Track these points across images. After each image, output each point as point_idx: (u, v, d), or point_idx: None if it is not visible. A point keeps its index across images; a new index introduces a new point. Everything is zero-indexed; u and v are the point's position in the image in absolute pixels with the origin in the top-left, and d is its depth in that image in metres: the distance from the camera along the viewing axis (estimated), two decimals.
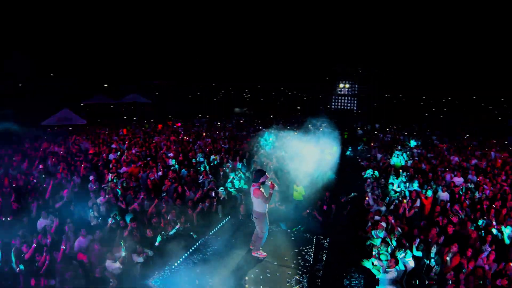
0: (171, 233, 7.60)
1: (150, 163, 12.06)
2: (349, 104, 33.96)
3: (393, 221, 8.44)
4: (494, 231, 7.95)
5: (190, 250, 6.69)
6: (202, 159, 13.17)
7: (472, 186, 11.44)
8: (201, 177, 11.13)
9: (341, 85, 33.64)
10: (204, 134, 18.64)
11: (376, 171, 13.10)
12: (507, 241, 7.73)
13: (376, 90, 30.86)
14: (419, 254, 7.28)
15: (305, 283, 5.73)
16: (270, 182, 6.00)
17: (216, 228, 7.80)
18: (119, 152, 13.55)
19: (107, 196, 8.87)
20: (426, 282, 6.62)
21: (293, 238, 7.45)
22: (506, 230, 7.78)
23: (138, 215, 8.25)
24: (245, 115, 29.18)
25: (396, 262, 6.66)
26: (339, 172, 13.82)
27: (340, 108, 34.51)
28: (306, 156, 12.66)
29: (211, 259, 6.42)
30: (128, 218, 7.88)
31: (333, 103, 34.46)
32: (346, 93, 34.00)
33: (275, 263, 6.28)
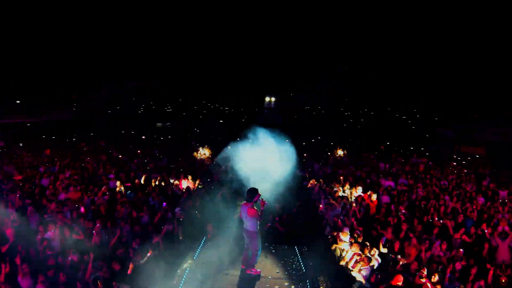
0: (141, 261, 7.24)
1: (90, 187, 11.24)
2: (274, 118, 35.99)
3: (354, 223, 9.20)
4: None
5: (183, 280, 6.51)
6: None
7: (405, 189, 13.15)
8: (150, 198, 10.74)
9: (267, 99, 35.61)
10: (139, 151, 17.57)
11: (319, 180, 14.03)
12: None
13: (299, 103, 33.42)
14: (384, 250, 8.10)
15: None
16: (261, 200, 6.27)
17: (197, 252, 7.81)
18: (52, 177, 12.27)
19: (57, 229, 7.89)
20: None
21: (274, 251, 7.88)
22: (451, 223, 9.14)
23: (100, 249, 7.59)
24: (169, 130, 28.60)
25: (369, 261, 7.34)
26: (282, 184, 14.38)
27: (266, 122, 36.20)
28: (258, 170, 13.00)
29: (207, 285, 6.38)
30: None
31: (258, 117, 36.23)
32: (272, 106, 36.00)
33: (269, 277, 6.60)
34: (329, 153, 20.48)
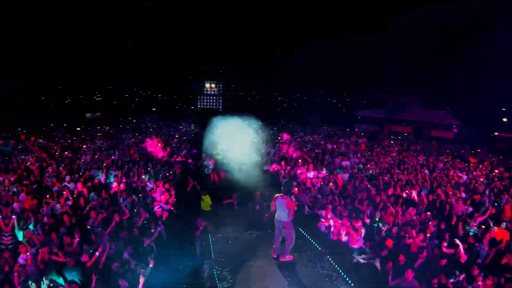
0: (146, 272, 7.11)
1: (48, 193, 10.17)
2: (214, 104, 36.33)
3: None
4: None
5: (216, 278, 6.60)
6: (101, 176, 12.17)
7: (361, 167, 15.06)
8: (121, 199, 10.27)
9: (207, 85, 35.62)
10: (84, 146, 16.24)
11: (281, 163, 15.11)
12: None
13: (235, 88, 34.47)
14: (367, 221, 9.53)
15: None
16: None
17: (211, 249, 7.89)
18: None
19: (28, 252, 6.83)
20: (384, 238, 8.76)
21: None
22: (414, 193, 11.04)
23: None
24: (98, 120, 26.74)
25: (358, 231, 8.66)
26: (240, 170, 15.15)
27: (206, 107, 36.54)
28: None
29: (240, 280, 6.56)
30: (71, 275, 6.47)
31: (198, 103, 36.06)
32: (212, 92, 36.18)
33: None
34: (278, 138, 21.72)
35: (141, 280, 6.37)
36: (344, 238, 8.86)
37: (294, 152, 17.66)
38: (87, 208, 9.16)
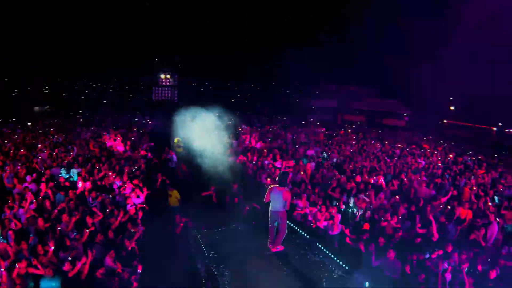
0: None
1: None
2: (170, 95, 35.38)
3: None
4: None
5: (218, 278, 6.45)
6: (65, 174, 11.38)
7: (326, 155, 15.70)
8: (90, 199, 9.69)
9: (162, 76, 34.58)
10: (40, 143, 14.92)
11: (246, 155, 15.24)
12: None
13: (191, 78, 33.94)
14: (342, 207, 10.04)
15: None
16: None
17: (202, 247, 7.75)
18: None
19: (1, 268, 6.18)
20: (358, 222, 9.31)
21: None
22: (380, 179, 11.79)
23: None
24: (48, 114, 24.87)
25: (337, 219, 9.11)
26: (205, 163, 15.10)
27: (162, 99, 35.48)
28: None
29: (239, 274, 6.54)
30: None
31: (153, 95, 34.95)
32: (168, 84, 35.18)
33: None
34: (240, 128, 21.76)
35: (134, 286, 6.17)
36: (323, 225, 9.22)
37: (257, 143, 17.85)
38: (56, 211, 8.54)
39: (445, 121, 26.22)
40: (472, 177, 12.52)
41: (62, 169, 11.62)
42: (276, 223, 7.27)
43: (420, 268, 7.09)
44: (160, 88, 34.80)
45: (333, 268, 6.62)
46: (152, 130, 20.56)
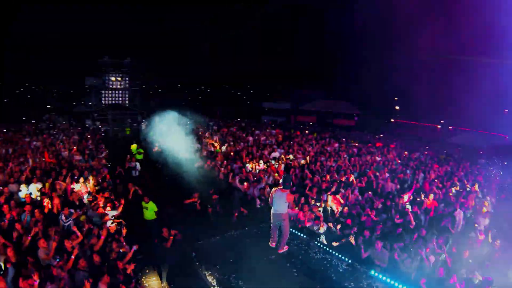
0: None
1: None
2: (120, 98, 34.02)
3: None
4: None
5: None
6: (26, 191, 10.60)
7: (291, 157, 16.63)
8: (63, 217, 9.03)
9: (112, 78, 33.10)
10: None
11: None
12: None
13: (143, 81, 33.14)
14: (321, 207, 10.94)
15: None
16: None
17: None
18: None
19: None
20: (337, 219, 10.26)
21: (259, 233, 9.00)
22: (351, 177, 12.94)
23: None
24: None
25: (321, 217, 9.94)
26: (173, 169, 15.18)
27: (112, 103, 33.99)
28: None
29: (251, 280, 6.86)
30: None
31: (103, 99, 33.35)
32: (118, 86, 33.81)
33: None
34: (200, 132, 21.89)
35: None
36: (308, 224, 9.97)
37: (221, 147, 18.25)
38: (29, 237, 7.70)
39: (392, 120, 28.87)
40: (431, 171, 14.25)
41: (23, 185, 10.83)
42: (277, 224, 7.77)
43: (406, 254, 8.14)
44: (109, 92, 33.45)
45: (336, 263, 7.36)
46: (106, 137, 19.95)
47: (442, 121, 23.22)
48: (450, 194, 11.77)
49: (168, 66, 31.93)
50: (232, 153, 16.84)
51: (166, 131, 20.21)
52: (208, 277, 7.06)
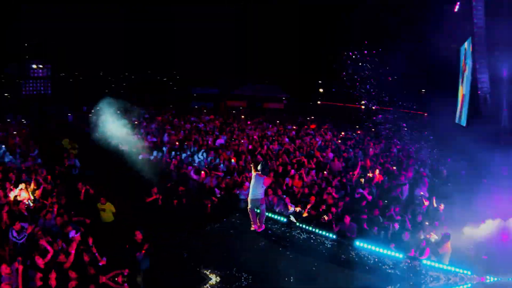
0: None
1: None
2: (43, 89, 30.66)
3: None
4: None
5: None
6: None
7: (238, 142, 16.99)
8: (14, 233, 7.99)
9: (34, 66, 29.47)
10: None
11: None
12: None
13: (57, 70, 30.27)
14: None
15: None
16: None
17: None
18: None
19: None
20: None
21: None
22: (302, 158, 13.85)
23: None
24: None
25: (287, 199, 10.61)
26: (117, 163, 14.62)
27: (33, 93, 30.37)
28: None
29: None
30: None
31: (23, 89, 29.63)
32: (40, 75, 30.30)
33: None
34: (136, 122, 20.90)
35: None
36: (277, 208, 10.54)
37: (165, 136, 17.70)
38: None
39: (318, 102, 30.83)
40: (370, 148, 15.88)
41: None
42: (256, 210, 8.08)
43: (372, 224, 9.24)
44: (31, 81, 29.83)
45: (322, 240, 8.07)
46: (32, 132, 17.93)
47: (363, 102, 25.36)
48: (392, 168, 13.35)
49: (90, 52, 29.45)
50: (177, 143, 16.52)
51: (102, 122, 19.15)
52: (211, 276, 7.13)
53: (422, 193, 11.15)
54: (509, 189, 9.60)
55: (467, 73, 15.15)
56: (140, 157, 14.99)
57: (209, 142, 16.82)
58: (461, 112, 16.21)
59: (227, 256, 7.65)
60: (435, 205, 10.20)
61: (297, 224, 8.82)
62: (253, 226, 8.26)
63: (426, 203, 10.51)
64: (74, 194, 10.90)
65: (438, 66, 17.75)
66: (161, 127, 20.08)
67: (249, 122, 23.42)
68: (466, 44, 15.24)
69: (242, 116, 26.29)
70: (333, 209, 9.82)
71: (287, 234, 8.50)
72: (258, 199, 7.93)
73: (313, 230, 8.49)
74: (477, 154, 11.99)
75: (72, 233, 8.05)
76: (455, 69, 16.97)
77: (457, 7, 15.76)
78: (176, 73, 33.26)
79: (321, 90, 29.59)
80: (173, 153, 15.02)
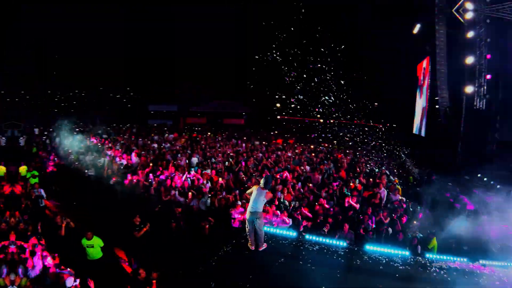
0: None
1: None
2: None
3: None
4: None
5: None
6: None
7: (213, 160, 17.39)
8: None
9: None
10: None
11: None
12: None
13: None
14: None
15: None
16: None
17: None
18: None
19: None
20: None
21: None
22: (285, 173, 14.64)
23: None
24: None
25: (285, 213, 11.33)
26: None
27: None
28: None
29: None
30: None
31: None
32: None
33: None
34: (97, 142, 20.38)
35: None
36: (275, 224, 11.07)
37: (133, 158, 17.40)
38: None
39: (278, 117, 31.86)
40: (343, 160, 17.14)
41: None
42: (253, 224, 8.16)
43: (367, 230, 10.28)
44: None
45: (334, 249, 8.73)
46: None
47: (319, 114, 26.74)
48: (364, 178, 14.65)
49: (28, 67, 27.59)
50: (151, 164, 16.23)
51: (60, 144, 18.43)
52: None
53: (400, 198, 12.49)
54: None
55: (424, 88, 17.14)
56: (112, 182, 14.61)
57: (183, 162, 16.83)
58: (421, 123, 18.14)
59: (254, 279, 7.39)
60: (411, 209, 11.63)
61: (306, 237, 9.33)
62: (249, 245, 8.41)
63: (404, 206, 11.87)
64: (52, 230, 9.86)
65: (394, 82, 19.58)
66: (127, 147, 19.64)
67: (219, 139, 23.78)
68: (424, 63, 17.28)
69: (210, 134, 26.40)
70: (330, 220, 10.71)
71: (301, 248, 8.85)
72: (258, 212, 8.14)
73: (322, 241, 9.15)
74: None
75: (69, 282, 7.30)
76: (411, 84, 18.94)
77: (416, 28, 17.72)
78: (130, 90, 32.34)
79: (278, 105, 30.52)
80: (150, 175, 14.52)
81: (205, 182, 13.83)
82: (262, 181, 8.36)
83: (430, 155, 15.08)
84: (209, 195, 12.41)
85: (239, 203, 11.44)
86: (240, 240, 8.93)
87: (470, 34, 16.09)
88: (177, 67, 29.30)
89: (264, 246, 8.53)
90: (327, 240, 9.16)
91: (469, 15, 15.38)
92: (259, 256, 8.25)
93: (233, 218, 11.00)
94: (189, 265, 8.01)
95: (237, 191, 12.76)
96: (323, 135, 22.48)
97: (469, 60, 16.42)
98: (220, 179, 14.07)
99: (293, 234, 9.46)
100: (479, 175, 14.19)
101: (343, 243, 8.98)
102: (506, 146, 14.87)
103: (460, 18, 15.13)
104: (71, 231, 9.95)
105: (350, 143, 20.08)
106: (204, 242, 9.49)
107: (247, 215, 8.24)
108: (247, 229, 8.33)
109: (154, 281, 7.40)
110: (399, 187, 13.48)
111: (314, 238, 9.24)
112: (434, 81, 15.96)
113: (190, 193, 12.64)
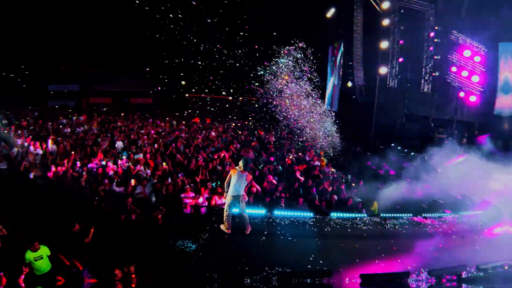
0: None
1: None
2: None
3: None
4: None
5: None
6: None
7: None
8: None
9: None
10: None
11: None
12: None
13: None
14: None
15: None
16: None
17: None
18: None
19: None
20: None
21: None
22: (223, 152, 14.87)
23: None
24: None
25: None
26: None
27: None
28: None
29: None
30: None
31: None
32: None
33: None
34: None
35: None
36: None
37: (49, 146, 15.31)
38: None
39: (187, 95, 30.83)
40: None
41: None
42: (235, 208, 8.29)
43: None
44: None
45: (303, 220, 9.30)
46: None
47: (231, 91, 26.82)
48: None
49: None
50: (73, 152, 14.53)
51: None
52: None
53: (333, 170, 13.96)
54: None
55: (337, 68, 19.04)
56: (32, 175, 12.61)
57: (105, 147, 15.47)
58: (332, 99, 20.10)
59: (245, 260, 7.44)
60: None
61: (274, 214, 9.63)
62: (226, 229, 8.30)
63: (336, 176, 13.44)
64: None
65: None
66: (37, 134, 17.15)
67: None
68: (337, 44, 19.10)
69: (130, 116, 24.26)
70: (283, 194, 11.45)
71: (274, 223, 9.11)
72: (240, 195, 8.21)
73: (289, 214, 9.60)
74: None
75: None
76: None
77: (330, 13, 19.30)
78: (24, 68, 27.33)
79: (183, 82, 29.60)
80: (77, 164, 13.18)
81: (142, 168, 12.96)
82: (241, 163, 8.23)
83: (347, 129, 16.96)
84: (154, 181, 11.84)
85: (187, 187, 11.25)
86: (213, 225, 8.69)
87: (386, 22, 18.63)
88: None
89: (249, 228, 8.49)
90: (294, 213, 9.69)
91: (385, 5, 17.90)
92: (241, 239, 8.23)
93: (185, 204, 10.79)
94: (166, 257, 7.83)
95: (181, 174, 12.53)
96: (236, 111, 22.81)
97: (384, 44, 19.10)
98: (164, 163, 13.38)
99: (261, 212, 9.66)
100: (392, 144, 16.76)
101: (310, 214, 9.68)
102: (412, 120, 17.95)
103: (377, 7, 17.36)
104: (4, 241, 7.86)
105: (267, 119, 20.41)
106: (160, 233, 8.99)
107: (228, 200, 8.16)
108: (225, 213, 8.24)
109: (133, 276, 7.01)
110: (324, 158, 14.90)
111: (281, 213, 9.67)
112: (349, 62, 17.98)
113: (132, 181, 11.73)
